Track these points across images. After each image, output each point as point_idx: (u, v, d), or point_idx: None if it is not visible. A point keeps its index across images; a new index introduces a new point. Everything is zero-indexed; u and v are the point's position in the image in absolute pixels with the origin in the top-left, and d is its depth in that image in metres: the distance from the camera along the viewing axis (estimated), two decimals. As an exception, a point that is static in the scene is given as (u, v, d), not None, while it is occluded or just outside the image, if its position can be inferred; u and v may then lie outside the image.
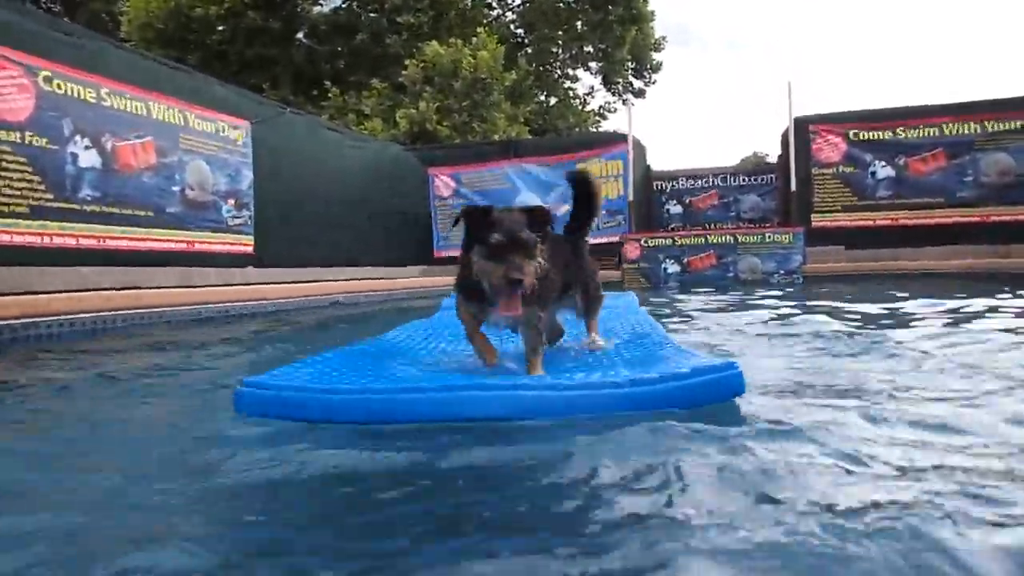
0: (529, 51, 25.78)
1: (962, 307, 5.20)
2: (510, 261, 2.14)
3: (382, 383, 2.09)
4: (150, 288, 7.36)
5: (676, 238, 11.71)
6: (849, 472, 1.43)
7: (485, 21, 24.71)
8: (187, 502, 1.46)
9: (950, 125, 12.32)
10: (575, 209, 3.13)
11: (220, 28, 21.58)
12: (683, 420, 1.77)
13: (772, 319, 5.05)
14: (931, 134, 12.40)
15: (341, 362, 2.49)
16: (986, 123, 12.17)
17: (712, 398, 1.91)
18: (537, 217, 2.28)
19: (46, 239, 6.78)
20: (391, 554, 1.17)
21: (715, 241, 11.44)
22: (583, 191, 3.14)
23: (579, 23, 24.71)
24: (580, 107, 27.14)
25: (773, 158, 17.27)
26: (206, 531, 1.33)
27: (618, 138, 13.82)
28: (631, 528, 1.21)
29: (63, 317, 5.65)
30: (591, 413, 1.86)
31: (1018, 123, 12.05)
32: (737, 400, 1.98)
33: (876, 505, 1.24)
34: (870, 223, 12.68)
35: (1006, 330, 3.70)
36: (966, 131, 12.26)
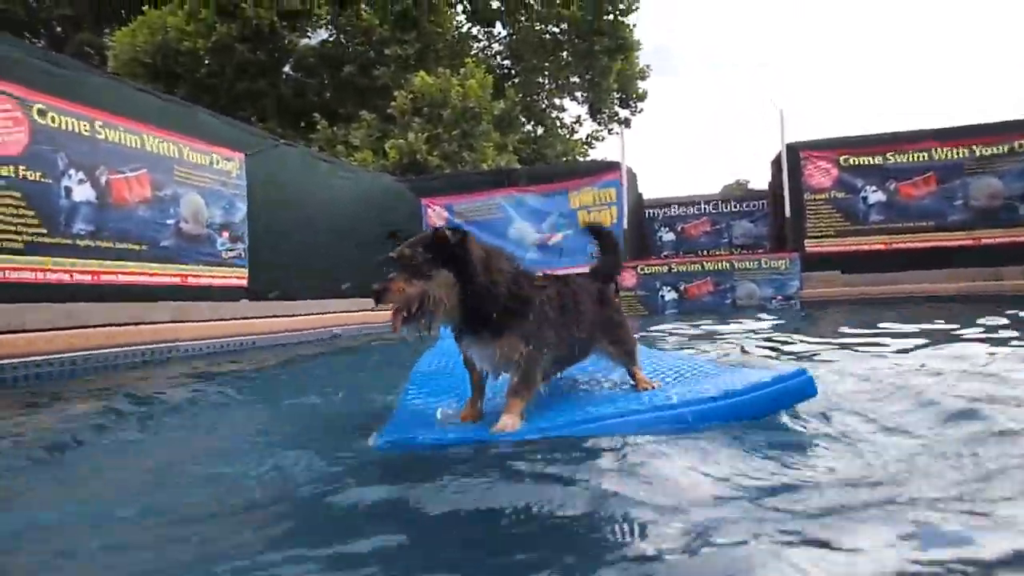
0: (516, 81, 25.95)
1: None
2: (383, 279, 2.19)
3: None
4: (146, 324, 7.21)
5: (673, 265, 11.70)
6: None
7: (472, 52, 24.90)
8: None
9: (939, 150, 12.45)
10: (600, 258, 3.05)
11: (207, 62, 21.56)
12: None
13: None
14: (921, 159, 12.53)
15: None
16: (974, 148, 12.32)
17: (792, 402, 2.24)
18: (435, 240, 2.21)
19: (39, 275, 6.61)
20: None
21: (712, 268, 11.44)
22: (605, 242, 3.08)
23: (565, 53, 24.93)
24: (568, 136, 27.28)
25: (755, 185, 17.44)
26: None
27: (611, 166, 13.84)
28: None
29: (60, 356, 5.50)
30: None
31: (1005, 147, 12.20)
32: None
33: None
34: (863, 248, 12.73)
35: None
36: (955, 156, 12.39)
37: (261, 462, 2.08)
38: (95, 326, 6.67)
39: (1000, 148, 12.16)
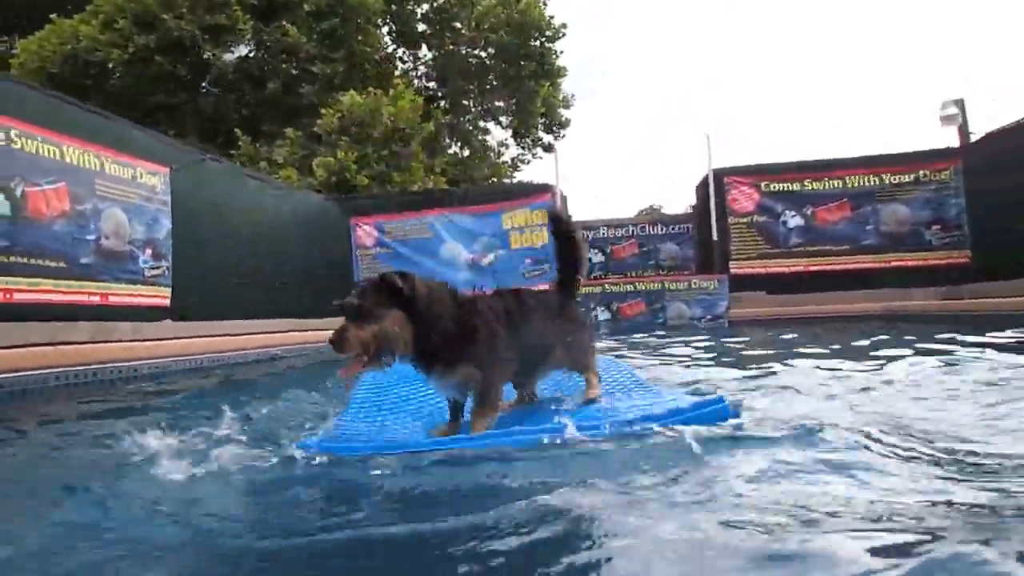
0: (442, 104, 25.98)
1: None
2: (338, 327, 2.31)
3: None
4: (63, 344, 6.76)
5: (606, 285, 11.86)
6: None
7: (396, 73, 24.80)
8: None
9: (853, 178, 13.15)
10: (560, 262, 3.09)
11: (119, 74, 20.66)
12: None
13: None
14: (836, 186, 13.19)
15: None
16: (884, 176, 13.06)
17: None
18: (383, 283, 2.35)
19: (-53, 293, 6.12)
20: None
21: (644, 288, 11.67)
22: (564, 241, 3.08)
23: (491, 76, 25.13)
24: (495, 158, 27.44)
25: (668, 210, 17.99)
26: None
27: (543, 188, 13.98)
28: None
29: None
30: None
31: (911, 176, 12.99)
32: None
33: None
34: (784, 270, 13.27)
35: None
36: (867, 183, 13.10)
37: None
38: (6, 347, 6.21)
39: (907, 177, 12.94)
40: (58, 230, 7.43)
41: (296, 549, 1.50)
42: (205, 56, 22.03)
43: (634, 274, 14.57)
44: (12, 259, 6.82)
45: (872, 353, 5.24)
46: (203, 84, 22.54)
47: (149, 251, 8.88)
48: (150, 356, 7.41)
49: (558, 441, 2.13)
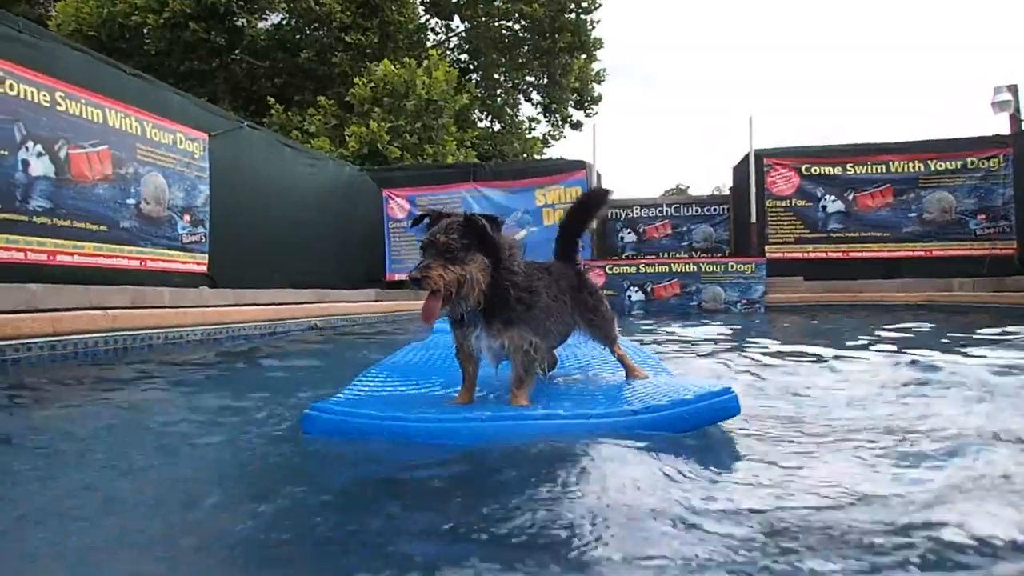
0: (475, 77, 25.73)
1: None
2: (421, 262, 2.16)
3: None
4: (108, 309, 6.77)
5: (640, 266, 11.71)
6: None
7: (429, 45, 24.57)
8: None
9: (896, 163, 12.80)
10: (571, 238, 3.03)
11: (152, 40, 20.64)
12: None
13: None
14: (879, 171, 12.86)
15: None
16: (929, 162, 12.71)
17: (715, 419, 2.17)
18: (472, 224, 2.21)
19: (-5, 253, 6.14)
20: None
21: (679, 270, 11.50)
22: (584, 218, 3.06)
23: (525, 48, 24.80)
24: (526, 134, 27.18)
25: (694, 191, 17.71)
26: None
27: (578, 165, 13.79)
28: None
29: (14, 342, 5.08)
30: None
31: (958, 163, 12.62)
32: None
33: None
34: (822, 255, 13.02)
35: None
36: (911, 169, 12.76)
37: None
38: (48, 310, 6.22)
39: (953, 164, 12.58)
40: (100, 193, 7.43)
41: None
42: (239, 23, 21.97)
43: (667, 255, 14.38)
44: (56, 221, 6.83)
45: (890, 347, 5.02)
46: (235, 52, 22.49)
47: (187, 217, 8.88)
48: (189, 323, 7.40)
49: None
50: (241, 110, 21.01)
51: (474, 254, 2.19)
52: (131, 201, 7.90)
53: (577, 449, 1.87)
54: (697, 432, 2.11)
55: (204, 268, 9.21)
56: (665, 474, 1.66)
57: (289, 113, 20.05)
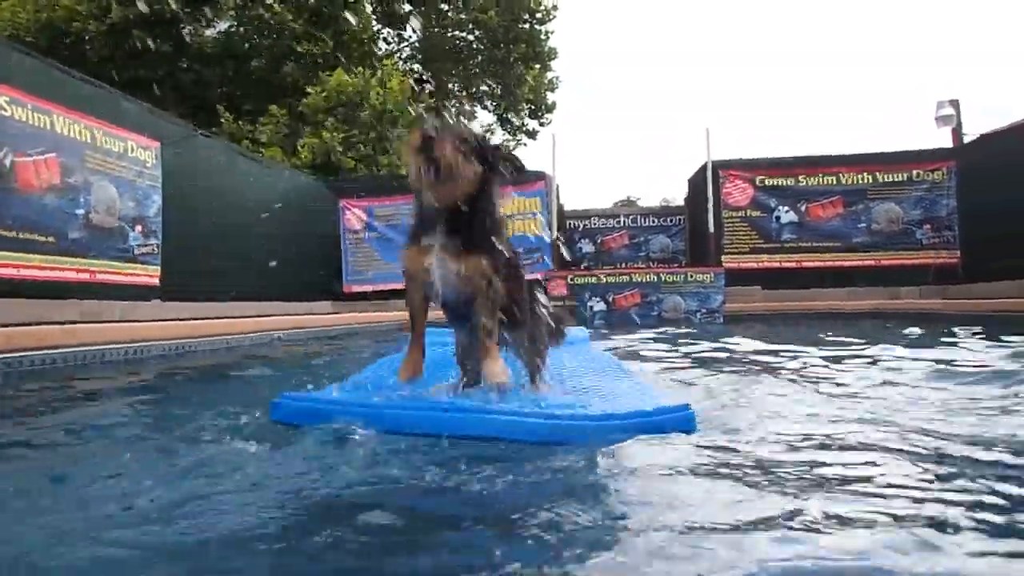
0: (428, 87, 25.61)
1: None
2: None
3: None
4: (53, 324, 6.45)
5: (602, 276, 11.75)
6: None
7: (379, 54, 24.38)
8: None
9: (846, 175, 13.18)
10: None
11: (95, 47, 19.97)
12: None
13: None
14: (829, 183, 13.22)
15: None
16: (877, 174, 13.11)
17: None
18: (483, 145, 2.26)
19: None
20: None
21: (640, 280, 11.58)
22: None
23: (479, 58, 24.83)
24: (481, 144, 27.11)
25: (644, 202, 18.00)
26: None
27: (536, 176, 13.80)
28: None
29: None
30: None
31: (904, 176, 13.06)
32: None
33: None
34: (776, 265, 13.28)
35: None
36: (860, 181, 13.15)
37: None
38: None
39: (901, 176, 13.01)
40: (47, 203, 7.10)
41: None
42: (185, 31, 21.46)
43: (624, 265, 14.49)
44: (0, 232, 6.50)
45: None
46: (182, 59, 21.94)
47: (139, 228, 8.56)
48: (141, 338, 7.11)
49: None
50: (189, 119, 20.45)
51: (476, 161, 2.20)
52: (80, 211, 7.57)
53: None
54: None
55: (156, 280, 8.88)
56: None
57: (240, 123, 19.61)
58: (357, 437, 1.98)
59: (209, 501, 1.54)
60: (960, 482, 1.59)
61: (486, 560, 1.19)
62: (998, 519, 1.34)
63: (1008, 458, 1.80)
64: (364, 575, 1.22)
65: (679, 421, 2.07)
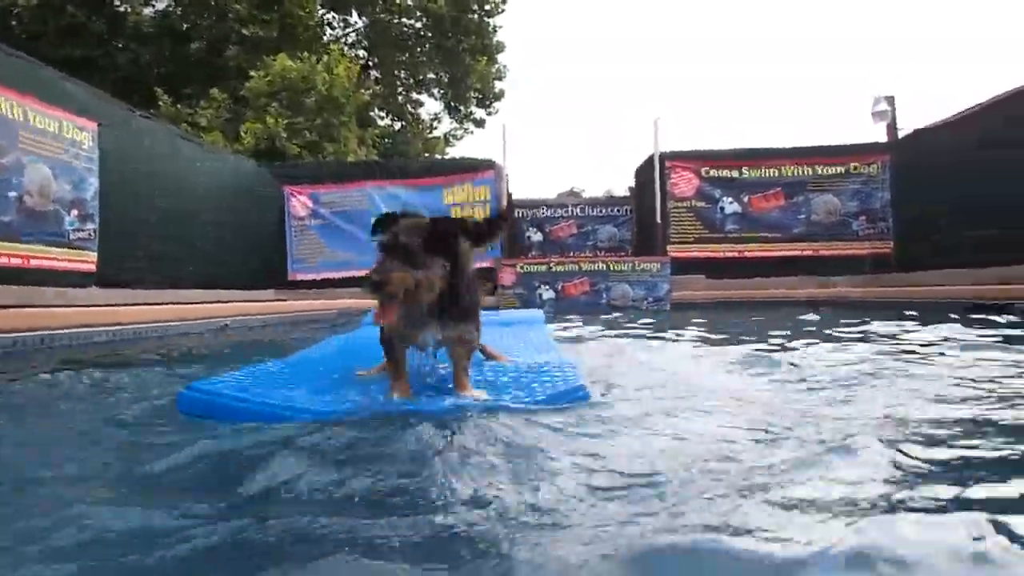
0: (374, 74, 25.29)
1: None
2: (380, 264, 2.14)
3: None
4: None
5: (551, 264, 11.82)
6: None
7: (324, 40, 23.91)
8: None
9: (787, 167, 13.53)
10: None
11: (24, 22, 19.08)
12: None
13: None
14: (772, 175, 13.55)
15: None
16: (816, 167, 13.50)
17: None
18: (439, 229, 2.24)
19: None
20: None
21: (588, 268, 11.69)
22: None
23: (427, 47, 24.59)
24: (428, 133, 26.92)
25: (589, 193, 18.22)
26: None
27: (486, 164, 13.79)
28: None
29: None
30: None
31: (842, 169, 13.48)
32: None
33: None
34: (720, 254, 13.57)
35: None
36: (800, 173, 13.52)
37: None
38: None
39: (838, 169, 13.42)
40: (-24, 185, 6.79)
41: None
42: (121, 8, 20.69)
43: (572, 254, 14.60)
44: (-74, 214, 6.18)
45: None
46: (118, 39, 21.13)
47: (75, 212, 8.24)
48: (86, 322, 6.86)
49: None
50: (124, 100, 19.72)
51: (433, 259, 2.18)
52: (12, 194, 7.25)
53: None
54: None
55: (93, 267, 8.57)
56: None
57: (178, 106, 19.02)
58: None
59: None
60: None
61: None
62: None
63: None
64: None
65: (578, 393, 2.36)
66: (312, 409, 2.17)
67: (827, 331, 5.68)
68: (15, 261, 7.28)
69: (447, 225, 2.26)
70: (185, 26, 21.01)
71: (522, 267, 11.66)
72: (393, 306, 2.14)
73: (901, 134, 13.49)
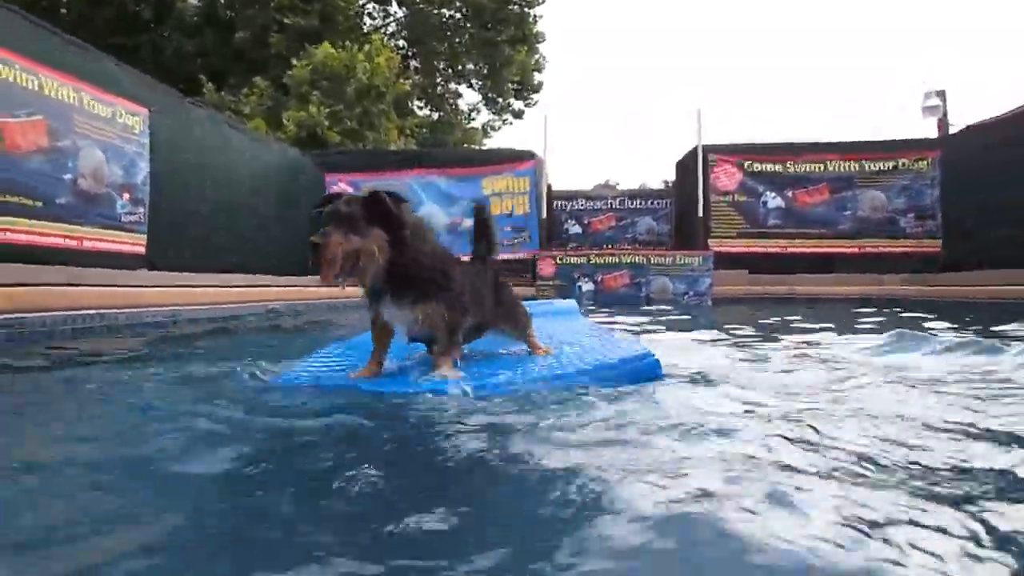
0: (415, 64, 25.36)
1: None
2: (322, 229, 2.22)
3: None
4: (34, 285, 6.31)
5: (591, 256, 11.77)
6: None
7: (364, 30, 24.03)
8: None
9: (833, 162, 13.27)
10: (475, 240, 3.12)
11: (68, 11, 19.46)
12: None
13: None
14: (817, 170, 13.31)
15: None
16: (864, 162, 13.22)
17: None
18: (372, 200, 2.29)
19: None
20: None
21: (629, 261, 11.61)
22: (483, 227, 3.14)
23: (466, 37, 24.58)
24: (466, 123, 26.95)
25: (624, 185, 17.99)
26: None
27: (526, 155, 13.75)
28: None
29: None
30: None
31: (890, 164, 13.18)
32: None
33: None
34: (761, 250, 13.37)
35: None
36: (847, 169, 13.26)
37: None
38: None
39: (887, 164, 13.13)
40: (34, 167, 6.92)
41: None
42: (168, -2, 20.99)
43: (611, 246, 14.51)
44: (-13, 195, 6.32)
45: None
46: (164, 27, 21.45)
47: (127, 195, 8.39)
48: (139, 303, 6.99)
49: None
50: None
51: (373, 228, 2.27)
52: (68, 176, 7.39)
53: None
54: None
55: (142, 249, 8.72)
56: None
57: (222, 93, 19.27)
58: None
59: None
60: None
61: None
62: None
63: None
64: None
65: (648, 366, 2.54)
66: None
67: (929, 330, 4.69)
68: (70, 243, 7.42)
69: (379, 197, 2.30)
70: (229, 14, 21.27)
71: (561, 259, 11.61)
72: (330, 270, 2.22)
73: (952, 130, 13.16)
